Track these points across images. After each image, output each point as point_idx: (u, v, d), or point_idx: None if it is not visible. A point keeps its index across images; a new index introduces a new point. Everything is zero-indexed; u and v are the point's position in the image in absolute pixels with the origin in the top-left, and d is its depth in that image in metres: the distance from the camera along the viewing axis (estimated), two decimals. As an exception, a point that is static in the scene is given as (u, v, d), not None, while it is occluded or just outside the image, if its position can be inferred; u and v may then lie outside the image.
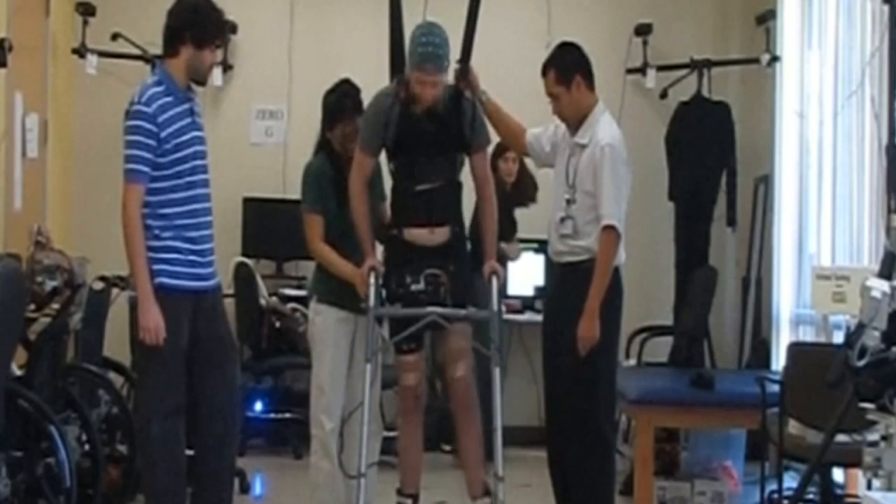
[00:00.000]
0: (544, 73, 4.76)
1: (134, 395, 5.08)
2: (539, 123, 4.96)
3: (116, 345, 5.73)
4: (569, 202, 4.70)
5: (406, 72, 4.58)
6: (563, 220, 4.71)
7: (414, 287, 4.55)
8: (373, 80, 4.81)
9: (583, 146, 4.69)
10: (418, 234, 4.61)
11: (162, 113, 4.30)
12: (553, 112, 4.80)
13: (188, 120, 4.38)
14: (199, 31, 4.37)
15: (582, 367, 4.61)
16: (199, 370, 4.40)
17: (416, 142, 4.59)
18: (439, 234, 4.62)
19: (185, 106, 4.39)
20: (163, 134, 4.29)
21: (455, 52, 4.60)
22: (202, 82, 4.51)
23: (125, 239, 4.30)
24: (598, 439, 4.68)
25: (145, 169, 4.29)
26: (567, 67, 4.73)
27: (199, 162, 4.42)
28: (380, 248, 4.83)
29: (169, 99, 4.34)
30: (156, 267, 4.29)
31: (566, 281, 4.74)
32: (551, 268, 4.99)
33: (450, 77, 4.62)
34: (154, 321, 4.26)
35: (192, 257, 4.36)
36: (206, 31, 4.38)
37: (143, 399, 4.53)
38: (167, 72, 4.40)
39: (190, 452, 4.49)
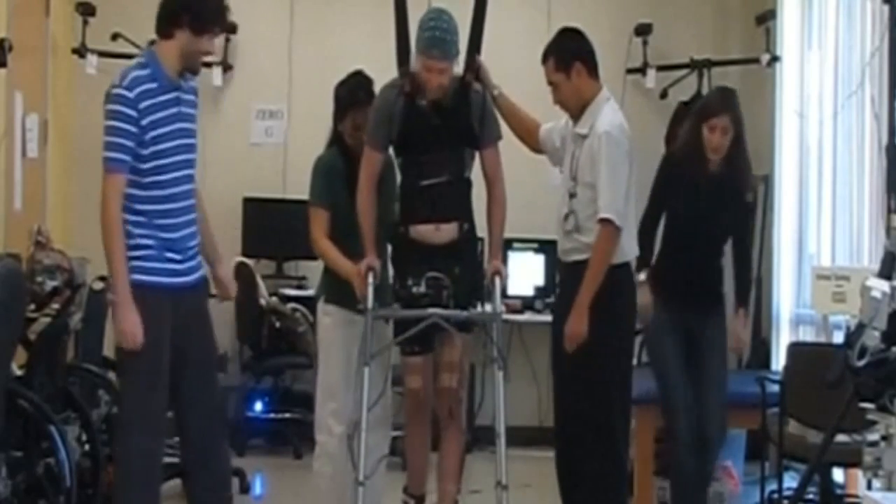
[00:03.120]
0: (544, 60, 4.62)
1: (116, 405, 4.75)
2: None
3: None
4: (571, 196, 4.56)
5: (412, 64, 4.45)
6: (566, 215, 4.58)
7: (415, 289, 4.45)
8: (375, 79, 4.80)
9: (584, 136, 4.54)
10: (424, 231, 4.48)
11: (144, 99, 3.99)
12: (554, 101, 4.65)
13: (173, 110, 4.07)
14: (197, 15, 4.05)
15: (589, 369, 4.47)
16: (183, 373, 4.14)
17: (421, 136, 4.46)
18: (446, 232, 4.48)
19: (171, 95, 4.07)
20: (143, 122, 3.98)
21: (462, 46, 4.47)
22: (195, 72, 4.20)
23: (104, 235, 4.00)
24: (608, 442, 4.55)
25: (125, 157, 3.98)
26: (566, 54, 4.58)
27: (181, 157, 4.11)
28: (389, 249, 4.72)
29: (153, 85, 4.02)
30: (133, 264, 4.01)
31: (571, 280, 4.58)
32: (559, 267, 4.85)
33: (458, 69, 4.48)
34: (132, 324, 3.99)
35: (168, 254, 4.08)
36: (205, 15, 4.07)
37: (125, 409, 4.22)
38: (156, 55, 4.07)
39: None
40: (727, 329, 4.99)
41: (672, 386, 4.91)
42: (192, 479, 4.27)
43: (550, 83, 4.62)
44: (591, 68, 4.62)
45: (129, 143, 3.98)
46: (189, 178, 4.16)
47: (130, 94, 3.98)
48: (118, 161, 3.98)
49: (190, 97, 4.18)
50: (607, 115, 4.56)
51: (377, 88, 4.69)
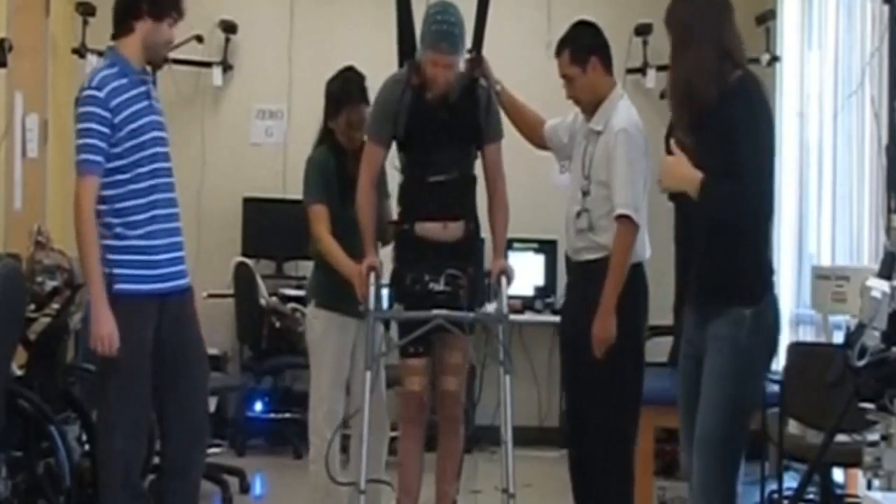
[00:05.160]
0: (558, 52, 4.52)
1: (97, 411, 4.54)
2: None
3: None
4: (584, 194, 4.44)
5: (417, 56, 4.38)
6: (578, 213, 4.46)
7: (433, 286, 4.35)
8: (374, 80, 4.79)
9: (598, 133, 4.44)
10: (431, 229, 4.41)
11: (115, 97, 4.00)
12: (567, 96, 4.56)
13: (145, 103, 4.08)
14: (155, 1, 4.08)
15: (604, 370, 4.40)
16: (167, 377, 4.12)
17: (428, 131, 4.38)
18: (453, 230, 4.42)
19: (141, 88, 4.08)
20: (116, 120, 3.99)
21: (466, 41, 4.42)
22: (159, 63, 4.22)
23: (78, 237, 3.97)
24: (620, 444, 4.50)
25: (99, 159, 3.97)
26: (583, 47, 4.50)
27: (159, 149, 4.10)
28: (387, 248, 4.67)
29: (123, 81, 4.03)
30: (117, 271, 4.01)
31: (584, 280, 4.48)
32: (568, 267, 4.72)
33: (462, 66, 4.42)
34: (108, 330, 3.95)
35: (157, 257, 4.07)
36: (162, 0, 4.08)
37: (108, 413, 4.14)
38: (119, 53, 4.10)
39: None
40: (735, 345, 3.68)
41: (680, 416, 3.96)
42: (166, 483, 4.27)
43: (564, 76, 4.52)
44: (607, 63, 4.55)
45: (103, 145, 3.99)
46: (169, 171, 4.17)
47: (101, 94, 4.00)
48: (92, 163, 3.98)
49: (155, 92, 4.19)
50: (623, 112, 4.47)
51: (370, 85, 4.65)
